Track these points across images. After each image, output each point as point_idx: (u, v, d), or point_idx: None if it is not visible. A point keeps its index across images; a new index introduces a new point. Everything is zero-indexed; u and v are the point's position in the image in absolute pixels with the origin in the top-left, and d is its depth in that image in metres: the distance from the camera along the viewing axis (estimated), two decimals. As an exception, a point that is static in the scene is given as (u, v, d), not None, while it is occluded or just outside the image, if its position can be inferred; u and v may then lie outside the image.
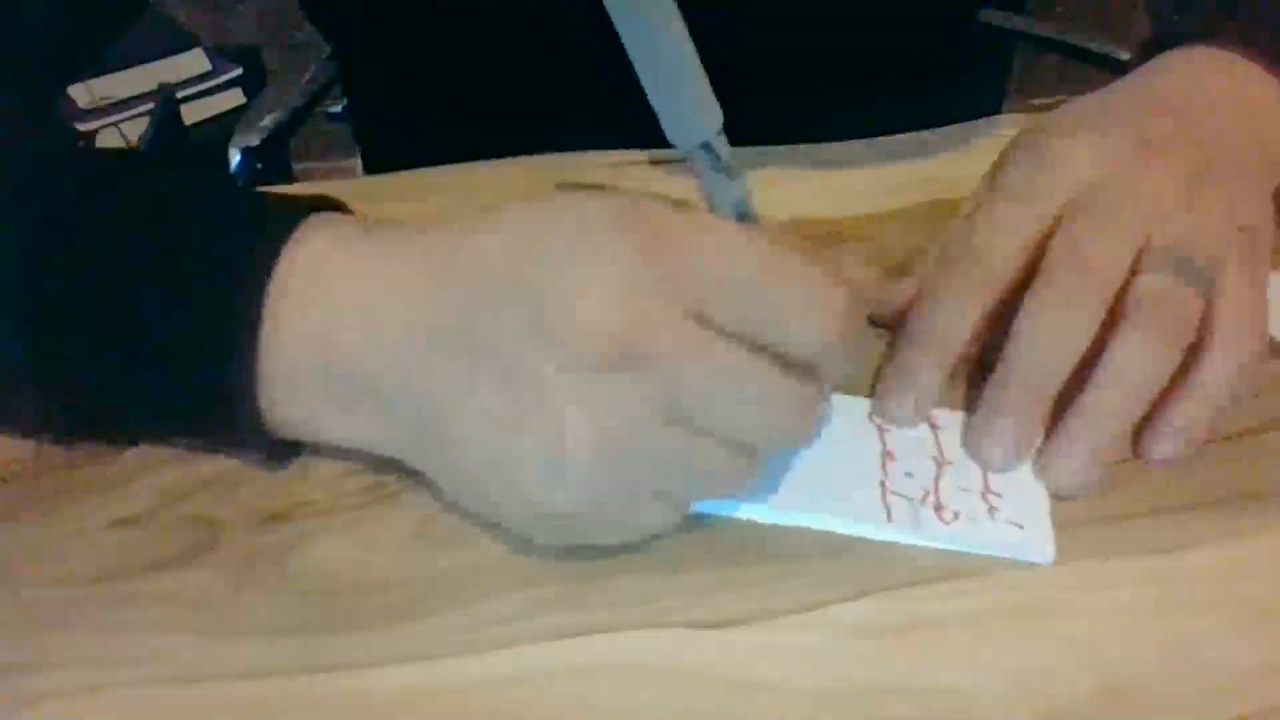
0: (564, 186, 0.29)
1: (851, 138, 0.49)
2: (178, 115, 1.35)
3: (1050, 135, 0.37)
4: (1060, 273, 0.33)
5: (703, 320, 0.27)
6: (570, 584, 0.30)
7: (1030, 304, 0.33)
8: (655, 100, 0.27)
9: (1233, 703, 0.28)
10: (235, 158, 0.75)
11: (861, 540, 0.32)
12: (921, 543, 0.32)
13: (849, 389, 0.36)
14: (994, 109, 0.70)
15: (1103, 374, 0.32)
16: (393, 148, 0.64)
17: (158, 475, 0.33)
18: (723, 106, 0.27)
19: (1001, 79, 0.74)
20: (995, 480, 0.33)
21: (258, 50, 1.53)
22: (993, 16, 0.65)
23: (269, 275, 0.29)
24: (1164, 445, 0.34)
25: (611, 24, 0.25)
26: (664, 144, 0.28)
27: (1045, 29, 0.76)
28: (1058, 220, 0.35)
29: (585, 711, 0.28)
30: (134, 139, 1.34)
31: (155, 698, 0.27)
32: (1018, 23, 0.69)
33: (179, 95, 1.37)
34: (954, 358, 0.35)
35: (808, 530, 0.32)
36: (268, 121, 0.76)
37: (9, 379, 0.31)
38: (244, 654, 0.28)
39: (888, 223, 0.45)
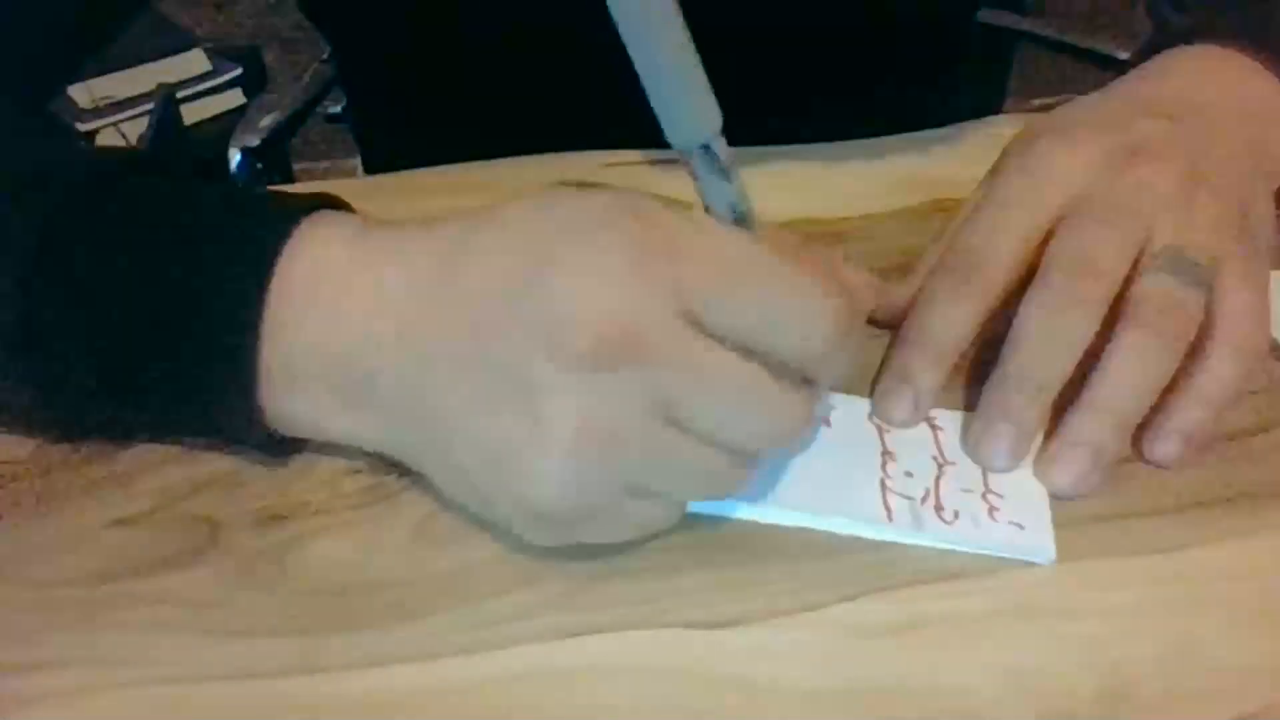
0: (563, 185, 0.29)
1: (851, 137, 0.49)
2: (177, 115, 1.35)
3: (1048, 137, 0.37)
4: (1060, 273, 0.33)
5: (695, 323, 0.27)
6: (570, 584, 0.30)
7: (1030, 305, 0.33)
8: (654, 101, 0.27)
9: (1233, 703, 0.28)
10: (235, 158, 0.75)
11: (861, 540, 0.32)
12: (921, 543, 0.32)
13: (849, 389, 0.36)
14: (994, 109, 0.70)
15: (1103, 375, 0.33)
16: (393, 148, 0.64)
17: (158, 475, 0.33)
18: (722, 106, 0.27)
19: (1002, 79, 0.74)
20: (995, 480, 0.33)
21: (258, 50, 1.53)
22: (993, 16, 0.65)
23: (270, 271, 0.29)
24: (1164, 446, 0.34)
25: (611, 23, 0.25)
26: (664, 144, 0.28)
27: (1045, 29, 0.76)
28: (1056, 222, 0.35)
29: (585, 711, 0.28)
30: (134, 139, 1.34)
31: (155, 697, 0.27)
32: (1018, 23, 0.69)
33: (179, 95, 1.36)
34: (952, 360, 0.35)
35: (808, 530, 0.32)
36: (268, 121, 0.76)
37: (8, 377, 0.31)
38: (244, 654, 0.28)
39: (888, 223, 0.45)
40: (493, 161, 0.48)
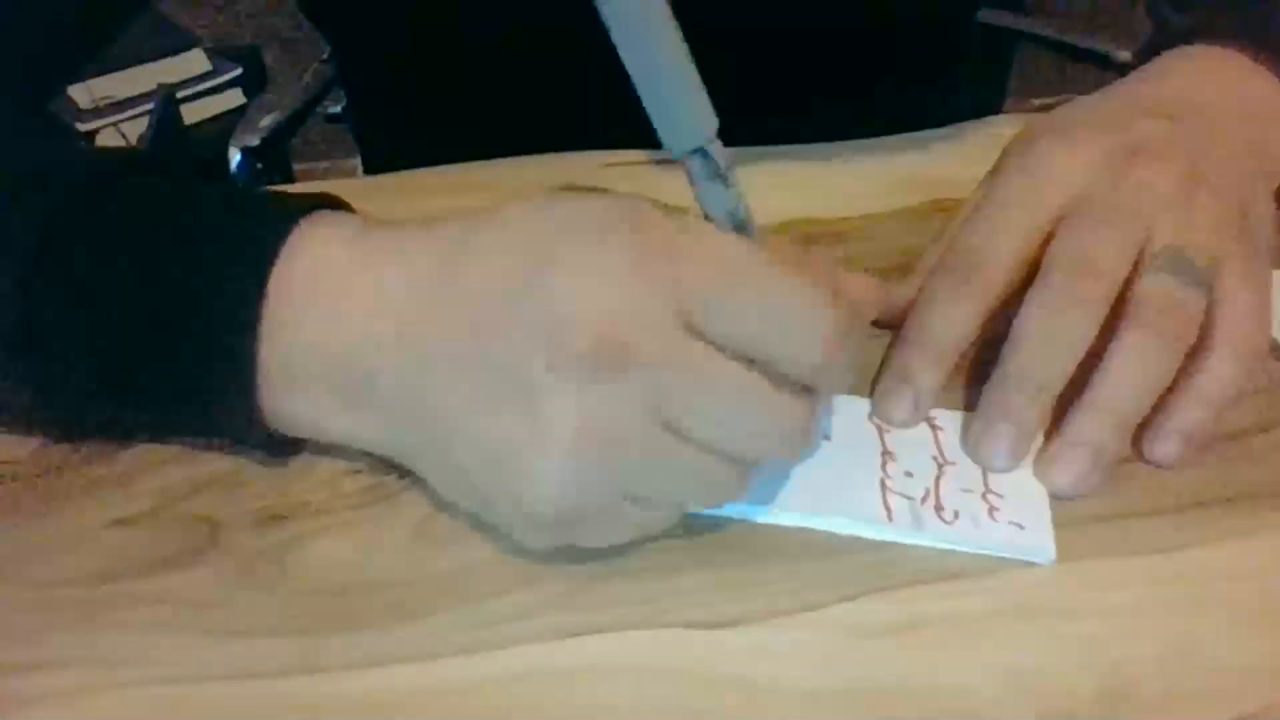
0: (563, 187, 0.29)
1: (851, 137, 0.49)
2: (177, 115, 1.35)
3: (1048, 137, 0.37)
4: (1060, 274, 0.33)
5: (693, 330, 0.27)
6: (570, 584, 0.30)
7: (1030, 305, 0.33)
8: (650, 106, 0.27)
9: (1233, 703, 0.28)
10: (235, 158, 0.75)
11: (861, 540, 0.32)
12: (921, 543, 0.32)
13: (849, 389, 0.36)
14: (994, 109, 0.70)
15: (1103, 375, 0.33)
16: (393, 148, 0.64)
17: (158, 475, 0.33)
18: (718, 108, 0.27)
19: (1001, 79, 0.74)
20: (995, 480, 0.33)
21: (258, 50, 1.53)
22: (992, 16, 0.65)
23: (270, 270, 0.29)
24: (1165, 446, 0.34)
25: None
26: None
27: (1045, 29, 0.76)
28: (1056, 222, 0.35)
29: (585, 711, 0.28)
30: (134, 139, 1.34)
31: (155, 697, 0.27)
32: (1018, 23, 0.69)
33: (179, 95, 1.37)
34: (953, 360, 0.35)
35: (808, 530, 0.32)
36: (268, 122, 0.76)
37: (8, 377, 0.31)
38: (244, 654, 0.28)
39: (888, 223, 0.45)
40: (493, 161, 0.48)
